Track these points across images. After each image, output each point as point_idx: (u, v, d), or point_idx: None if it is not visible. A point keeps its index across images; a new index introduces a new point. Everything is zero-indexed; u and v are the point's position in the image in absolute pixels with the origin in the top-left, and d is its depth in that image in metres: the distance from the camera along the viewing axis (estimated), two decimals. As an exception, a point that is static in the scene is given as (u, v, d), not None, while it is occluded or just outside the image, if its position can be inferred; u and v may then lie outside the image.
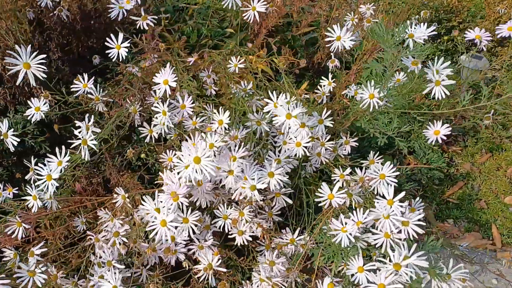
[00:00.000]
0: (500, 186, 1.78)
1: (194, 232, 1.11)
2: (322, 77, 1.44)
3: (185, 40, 1.69)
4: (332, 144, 1.27)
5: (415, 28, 1.23)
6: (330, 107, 1.48)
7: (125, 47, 1.15)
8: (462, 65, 2.15)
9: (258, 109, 1.36)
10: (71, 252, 1.11)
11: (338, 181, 1.24)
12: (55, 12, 1.39)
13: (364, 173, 1.22)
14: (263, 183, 1.08)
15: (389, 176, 1.14)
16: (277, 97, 1.16)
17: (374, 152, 1.31)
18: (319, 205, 1.11)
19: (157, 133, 1.24)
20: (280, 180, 1.11)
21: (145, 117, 1.32)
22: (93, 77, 1.30)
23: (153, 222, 1.00)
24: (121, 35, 1.15)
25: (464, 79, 2.25)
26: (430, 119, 1.82)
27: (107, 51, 1.20)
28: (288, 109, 1.12)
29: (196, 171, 0.96)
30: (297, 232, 1.21)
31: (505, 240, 1.59)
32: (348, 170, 1.25)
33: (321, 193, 1.09)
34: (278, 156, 1.20)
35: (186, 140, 1.18)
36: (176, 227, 1.00)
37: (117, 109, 1.28)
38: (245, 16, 1.48)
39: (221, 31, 2.03)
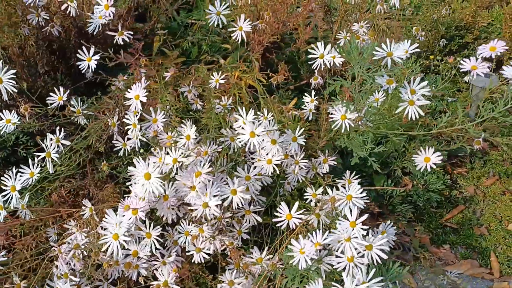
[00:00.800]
0: (504, 212, 1.67)
1: (156, 248, 1.11)
2: (305, 94, 1.42)
3: (177, 55, 1.72)
4: (305, 162, 1.24)
5: (398, 46, 1.20)
6: (315, 125, 1.45)
7: (95, 60, 1.17)
8: (471, 83, 2.06)
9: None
10: (36, 262, 1.12)
11: (311, 200, 1.21)
12: (47, 28, 1.44)
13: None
14: (222, 201, 1.07)
15: (356, 197, 1.09)
16: (246, 114, 1.15)
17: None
18: (277, 225, 1.08)
19: (130, 146, 1.25)
20: (242, 197, 1.09)
21: (124, 131, 1.33)
22: (83, 90, 1.33)
23: (105, 235, 1.00)
24: (92, 49, 1.17)
25: (474, 97, 2.16)
26: (432, 138, 1.75)
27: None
28: (254, 127, 1.11)
29: (146, 188, 0.96)
30: (265, 251, 1.18)
31: (504, 270, 1.49)
32: (321, 189, 1.21)
33: (279, 212, 1.06)
34: (248, 173, 1.19)
35: (154, 155, 1.19)
36: (127, 241, 1.00)
37: (96, 122, 1.30)
38: (233, 35, 1.48)
39: (223, 47, 2.04)
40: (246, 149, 1.11)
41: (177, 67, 1.78)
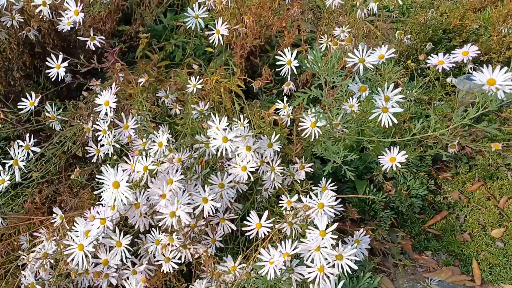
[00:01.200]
0: (488, 218, 1.66)
1: (126, 256, 1.09)
2: (278, 100, 1.40)
3: (161, 58, 1.70)
4: (281, 169, 1.23)
5: (371, 53, 1.18)
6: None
7: (64, 67, 1.16)
8: (457, 87, 2.04)
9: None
10: (6, 270, 1.11)
11: (286, 208, 1.20)
12: (23, 32, 1.42)
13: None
14: (193, 209, 1.06)
15: (327, 206, 1.08)
16: (220, 120, 1.13)
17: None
18: (246, 234, 1.06)
19: (104, 153, 1.23)
20: (213, 206, 1.08)
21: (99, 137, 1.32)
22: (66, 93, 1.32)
23: (70, 246, 0.98)
24: (61, 56, 1.16)
25: (459, 101, 2.14)
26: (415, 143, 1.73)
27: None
28: (226, 133, 1.09)
29: (115, 196, 0.94)
30: (238, 259, 1.16)
31: (486, 277, 1.47)
32: (296, 197, 1.20)
33: (249, 221, 1.04)
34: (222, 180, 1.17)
35: (127, 162, 1.17)
36: (91, 252, 0.98)
37: (70, 128, 1.29)
38: (210, 39, 1.46)
39: (208, 50, 2.02)
40: (218, 154, 1.10)
41: (158, 71, 1.76)
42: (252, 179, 1.18)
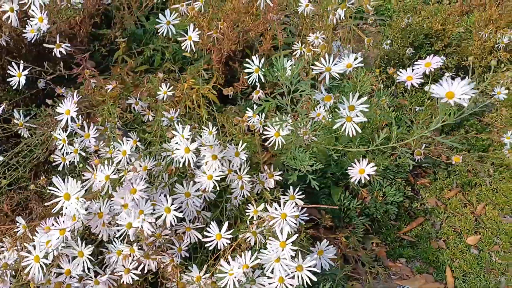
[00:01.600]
0: (464, 225, 1.65)
1: (88, 267, 1.08)
2: (248, 108, 1.40)
3: (132, 64, 1.69)
4: (249, 177, 1.22)
5: (339, 61, 1.18)
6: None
7: (25, 75, 1.15)
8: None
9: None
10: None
11: (252, 217, 1.19)
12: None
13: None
14: (156, 219, 1.05)
15: (290, 216, 1.07)
16: (183, 129, 1.13)
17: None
18: (206, 245, 1.06)
19: (69, 161, 1.22)
20: (176, 216, 1.07)
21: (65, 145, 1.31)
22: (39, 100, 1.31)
23: (27, 257, 0.97)
24: (22, 64, 1.15)
25: (440, 107, 2.14)
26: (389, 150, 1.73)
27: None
28: (188, 142, 1.08)
29: (67, 207, 0.93)
30: (204, 269, 1.15)
31: (459, 285, 1.46)
32: (262, 205, 1.19)
33: (209, 232, 1.04)
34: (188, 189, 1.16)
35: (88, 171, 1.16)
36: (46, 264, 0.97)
37: (38, 135, 1.28)
38: (183, 45, 1.46)
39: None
40: (180, 165, 1.09)
41: (134, 76, 1.76)
42: (218, 188, 1.17)
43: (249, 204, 1.23)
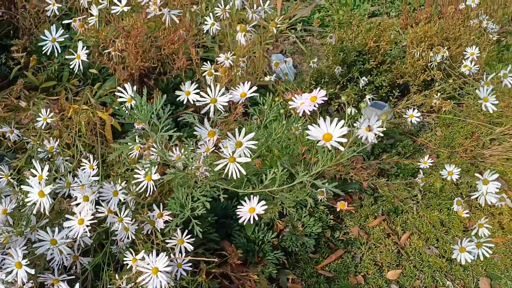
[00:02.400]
0: (386, 257, 1.56)
1: None
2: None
3: (21, 83, 1.52)
4: (129, 219, 1.08)
5: (231, 90, 1.06)
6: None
7: None
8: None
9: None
10: None
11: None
12: None
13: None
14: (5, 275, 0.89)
15: (163, 271, 0.93)
16: (42, 170, 0.97)
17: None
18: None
19: None
20: (28, 272, 0.92)
21: None
22: None
23: None
24: None
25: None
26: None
27: None
28: (43, 185, 0.93)
29: None
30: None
31: (375, 326, 1.37)
32: (142, 254, 1.05)
33: None
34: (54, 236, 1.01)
35: None
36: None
37: None
38: (71, 64, 1.30)
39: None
40: (34, 211, 0.94)
41: (27, 95, 1.59)
42: (89, 234, 1.02)
43: (132, 249, 1.09)
